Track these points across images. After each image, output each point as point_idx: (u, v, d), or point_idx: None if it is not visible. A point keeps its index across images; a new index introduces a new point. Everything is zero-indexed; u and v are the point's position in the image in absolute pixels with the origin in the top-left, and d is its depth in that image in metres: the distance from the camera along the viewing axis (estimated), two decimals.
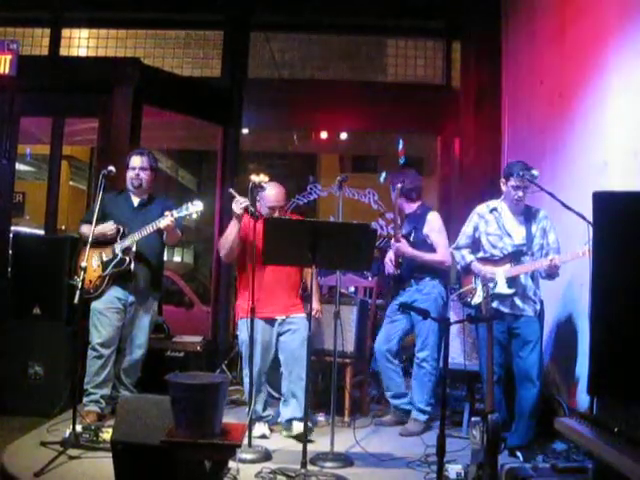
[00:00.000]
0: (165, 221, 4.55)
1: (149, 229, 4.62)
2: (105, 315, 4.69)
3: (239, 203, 4.36)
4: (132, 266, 4.71)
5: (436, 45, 7.49)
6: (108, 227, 4.68)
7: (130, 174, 4.88)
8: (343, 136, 8.35)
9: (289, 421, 4.57)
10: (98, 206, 4.47)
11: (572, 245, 4.23)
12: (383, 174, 5.43)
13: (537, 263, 4.26)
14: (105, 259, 4.70)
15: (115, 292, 4.74)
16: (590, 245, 3.58)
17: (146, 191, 4.95)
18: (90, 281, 4.66)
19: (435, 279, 4.98)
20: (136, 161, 4.88)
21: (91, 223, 4.46)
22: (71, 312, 4.98)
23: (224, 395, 3.34)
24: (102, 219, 4.72)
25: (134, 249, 4.72)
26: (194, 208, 4.57)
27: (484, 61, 6.81)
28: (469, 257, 4.57)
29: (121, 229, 4.71)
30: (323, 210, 8.57)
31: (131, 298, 4.79)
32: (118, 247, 4.68)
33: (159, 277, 5.07)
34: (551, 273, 4.24)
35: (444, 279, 5.08)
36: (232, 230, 4.52)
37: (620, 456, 2.51)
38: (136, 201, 4.93)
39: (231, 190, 4.50)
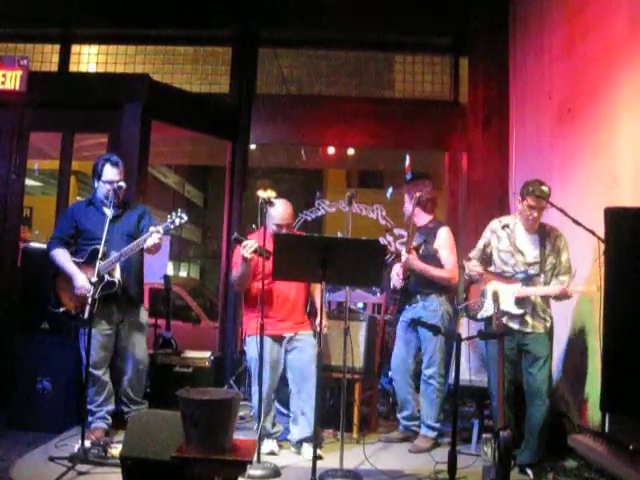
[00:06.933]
0: (152, 240, 4.38)
1: (133, 248, 4.44)
2: (94, 337, 4.42)
3: (247, 247, 4.25)
4: (120, 289, 4.53)
5: (443, 61, 7.51)
6: (85, 288, 4.37)
7: (106, 188, 4.59)
8: (350, 151, 8.38)
9: (299, 442, 4.54)
10: (69, 220, 4.39)
11: (580, 261, 4.22)
12: (390, 189, 5.41)
13: (548, 289, 4.22)
14: (93, 281, 4.24)
15: (103, 313, 4.56)
16: (601, 260, 3.59)
17: (120, 202, 4.72)
18: (77, 306, 4.49)
19: (442, 296, 4.95)
20: (112, 174, 4.61)
21: (65, 242, 4.46)
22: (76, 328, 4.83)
23: (235, 411, 3.33)
24: (76, 235, 4.62)
25: (118, 268, 4.53)
26: (179, 220, 4.42)
27: (492, 76, 6.84)
28: (478, 268, 4.55)
29: (100, 249, 4.27)
30: (329, 225, 8.55)
31: (119, 316, 4.68)
32: (103, 269, 4.40)
33: (142, 288, 4.94)
34: (561, 299, 4.22)
35: (451, 296, 5.05)
36: (243, 272, 4.44)
37: (636, 474, 2.49)
38: (110, 213, 4.47)
39: (236, 235, 4.41)
